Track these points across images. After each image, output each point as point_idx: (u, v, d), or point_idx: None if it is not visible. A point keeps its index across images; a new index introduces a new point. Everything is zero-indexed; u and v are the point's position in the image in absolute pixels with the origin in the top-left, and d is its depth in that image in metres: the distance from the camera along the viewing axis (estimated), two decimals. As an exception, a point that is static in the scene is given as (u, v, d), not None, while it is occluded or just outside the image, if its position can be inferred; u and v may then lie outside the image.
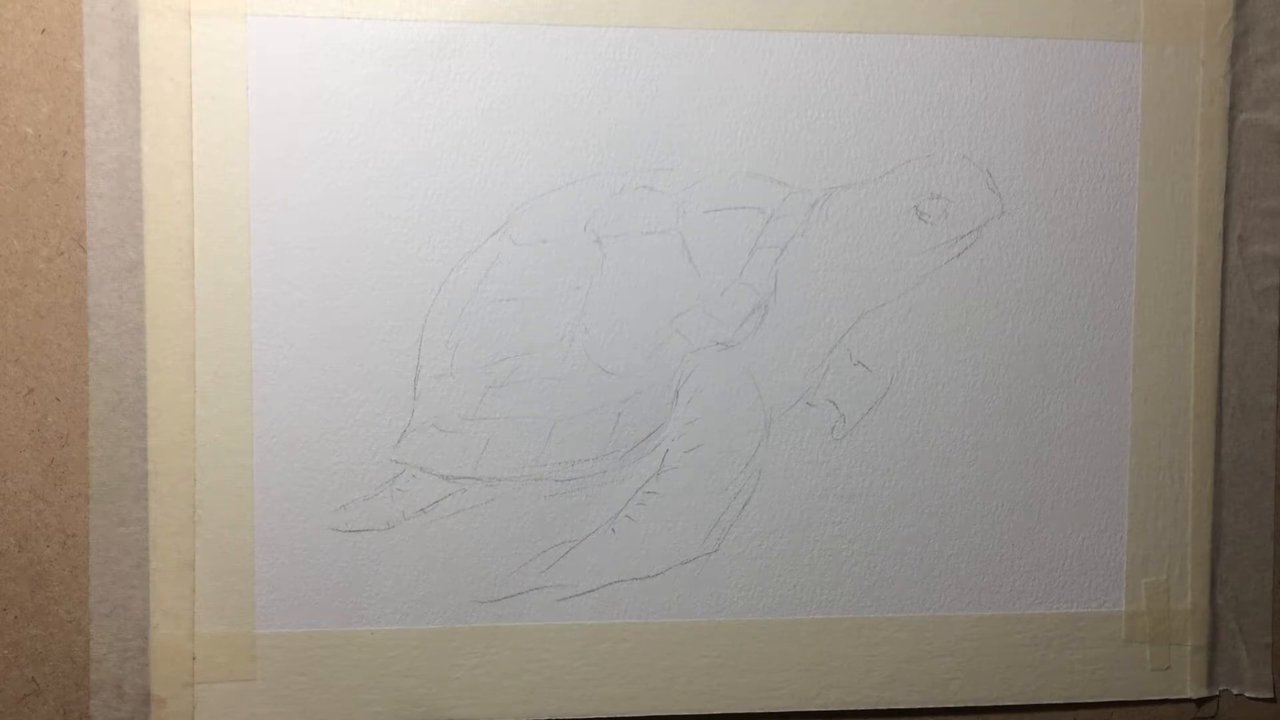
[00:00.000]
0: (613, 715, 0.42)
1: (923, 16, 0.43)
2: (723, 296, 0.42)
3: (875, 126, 0.43)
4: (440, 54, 0.41)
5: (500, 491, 0.42)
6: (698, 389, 0.42)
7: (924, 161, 0.43)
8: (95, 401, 0.41)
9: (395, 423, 0.41)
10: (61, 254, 0.41)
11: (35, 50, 0.40)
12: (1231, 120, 0.44)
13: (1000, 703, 0.44)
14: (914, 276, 0.43)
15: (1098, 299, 0.43)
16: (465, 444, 0.42)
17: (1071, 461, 0.44)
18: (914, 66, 0.43)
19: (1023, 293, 0.43)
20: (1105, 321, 0.43)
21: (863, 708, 0.43)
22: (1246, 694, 0.45)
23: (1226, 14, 0.43)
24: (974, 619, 0.44)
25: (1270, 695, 0.45)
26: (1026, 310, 0.43)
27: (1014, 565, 0.44)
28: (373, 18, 0.41)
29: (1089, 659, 0.44)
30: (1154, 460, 0.44)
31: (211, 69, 0.40)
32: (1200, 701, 0.45)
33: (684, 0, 0.42)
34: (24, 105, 0.40)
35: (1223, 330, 0.44)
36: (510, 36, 0.41)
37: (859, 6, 0.42)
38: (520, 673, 0.42)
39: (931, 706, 0.44)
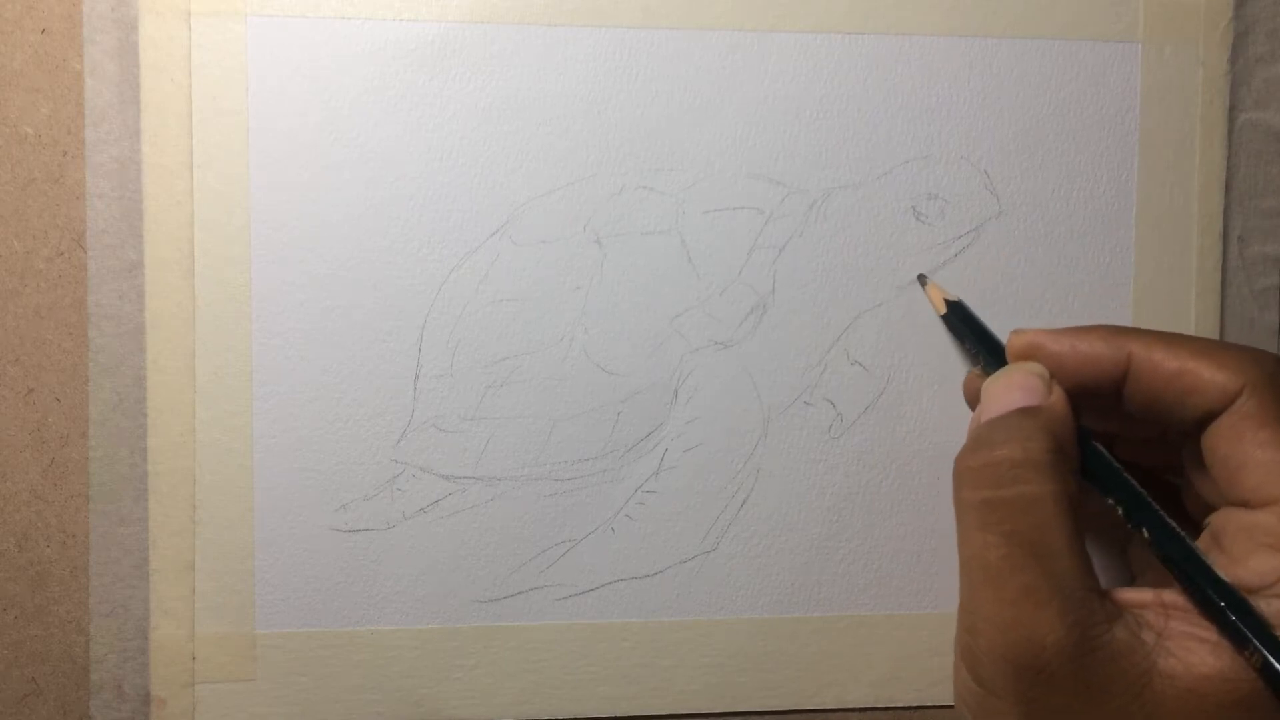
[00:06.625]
0: (613, 715, 0.42)
1: (922, 17, 0.43)
2: (722, 296, 0.42)
3: (873, 127, 0.43)
4: (440, 54, 0.41)
5: (500, 491, 0.42)
6: (696, 388, 0.42)
7: (922, 162, 0.43)
8: (95, 401, 0.41)
9: (395, 423, 0.42)
10: (61, 254, 0.41)
11: (35, 50, 0.40)
12: (1231, 120, 0.44)
13: (998, 701, 0.44)
14: (911, 277, 0.43)
15: (1096, 299, 0.43)
16: (465, 444, 0.42)
17: (1070, 461, 0.44)
18: (912, 67, 0.43)
19: (1020, 293, 0.43)
20: (1103, 322, 0.43)
21: (861, 706, 0.43)
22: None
23: (1226, 14, 0.43)
24: (972, 617, 0.44)
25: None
26: (1024, 311, 0.43)
27: (1012, 565, 0.44)
28: (373, 18, 0.41)
29: (1086, 658, 0.44)
30: (1152, 460, 0.44)
31: (211, 69, 0.40)
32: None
33: (684, 0, 0.42)
34: (24, 105, 0.40)
35: (1223, 330, 0.44)
36: (510, 36, 0.41)
37: (859, 6, 0.42)
38: (520, 673, 0.42)
39: (930, 704, 0.44)
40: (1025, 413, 0.34)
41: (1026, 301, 0.43)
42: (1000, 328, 0.42)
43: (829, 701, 0.43)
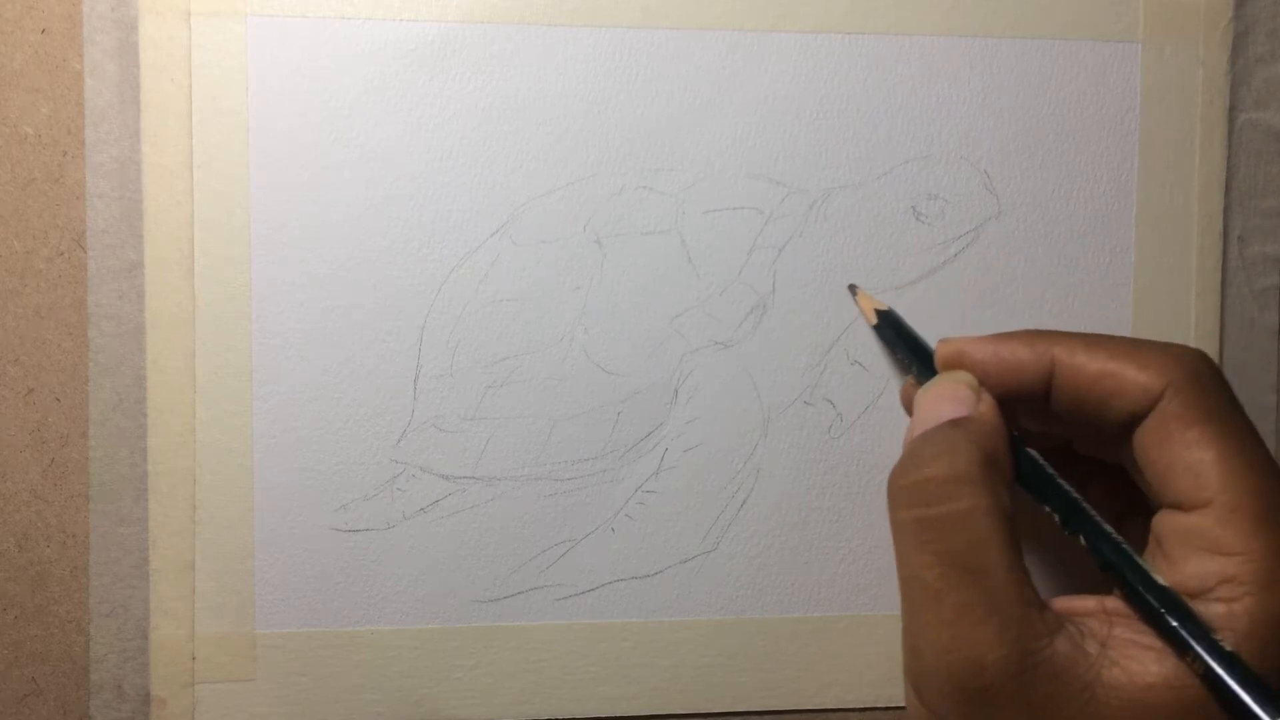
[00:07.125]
0: (613, 715, 0.42)
1: (922, 17, 0.43)
2: (722, 296, 0.42)
3: (873, 127, 0.43)
4: (440, 54, 0.41)
5: (500, 491, 0.42)
6: (696, 388, 0.42)
7: (922, 162, 0.43)
8: (95, 401, 0.41)
9: (395, 423, 0.42)
10: (61, 254, 0.41)
11: (35, 50, 0.40)
12: (1231, 120, 0.44)
13: (998, 701, 0.44)
14: (911, 277, 0.43)
15: (1096, 299, 0.43)
16: (465, 444, 0.42)
17: (1070, 461, 0.44)
18: (912, 67, 0.43)
19: (1020, 293, 0.43)
20: (1103, 322, 0.43)
21: (861, 705, 0.43)
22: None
23: (1226, 14, 0.43)
24: (972, 617, 0.44)
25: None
26: (1024, 311, 0.43)
27: (1012, 565, 0.44)
28: (373, 18, 0.41)
29: (1087, 658, 0.44)
30: (1152, 460, 0.44)
31: (211, 69, 0.40)
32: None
33: (684, 0, 0.42)
34: (24, 105, 0.40)
35: (1222, 330, 0.44)
36: (510, 36, 0.41)
37: (859, 6, 0.42)
38: (520, 673, 0.42)
39: (930, 705, 0.44)
40: (954, 425, 0.33)
41: (1026, 301, 0.43)
42: (1001, 327, 0.42)
43: (829, 701, 0.43)
